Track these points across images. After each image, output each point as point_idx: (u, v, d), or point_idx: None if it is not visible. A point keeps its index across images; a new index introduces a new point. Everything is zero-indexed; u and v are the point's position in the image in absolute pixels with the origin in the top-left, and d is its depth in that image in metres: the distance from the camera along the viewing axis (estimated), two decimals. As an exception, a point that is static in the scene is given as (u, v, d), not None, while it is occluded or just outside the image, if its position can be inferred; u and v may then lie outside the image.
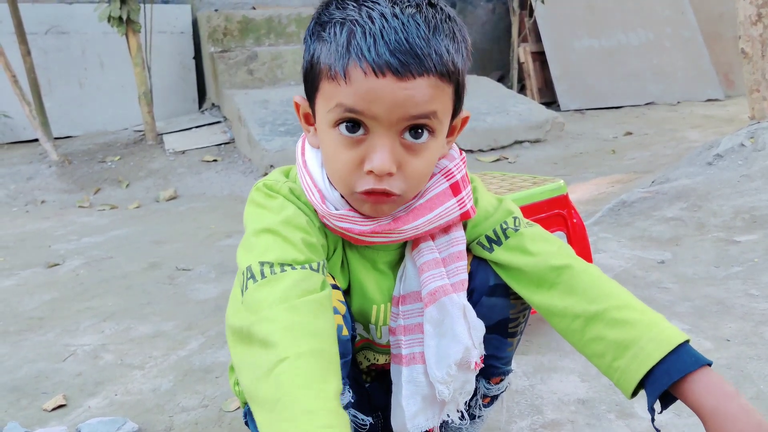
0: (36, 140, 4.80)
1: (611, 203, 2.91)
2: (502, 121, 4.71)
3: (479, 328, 1.00)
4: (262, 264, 0.86)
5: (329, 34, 0.87)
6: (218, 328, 2.03)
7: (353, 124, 0.86)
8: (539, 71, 6.61)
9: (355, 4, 0.87)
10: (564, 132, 4.93)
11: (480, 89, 5.27)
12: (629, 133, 5.16)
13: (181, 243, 3.03)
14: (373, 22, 0.84)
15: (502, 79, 6.66)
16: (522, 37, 6.45)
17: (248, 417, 1.19)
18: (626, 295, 0.96)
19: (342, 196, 0.94)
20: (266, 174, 4.05)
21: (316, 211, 0.97)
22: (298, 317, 0.80)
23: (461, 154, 1.04)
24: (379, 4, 0.86)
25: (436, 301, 0.98)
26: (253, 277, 0.85)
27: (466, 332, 0.98)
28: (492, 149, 4.58)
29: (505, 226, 1.04)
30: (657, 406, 0.89)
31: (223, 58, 5.20)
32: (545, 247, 1.02)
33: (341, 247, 1.00)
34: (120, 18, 4.49)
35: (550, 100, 6.47)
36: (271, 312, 0.80)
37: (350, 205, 0.95)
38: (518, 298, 1.06)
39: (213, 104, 5.58)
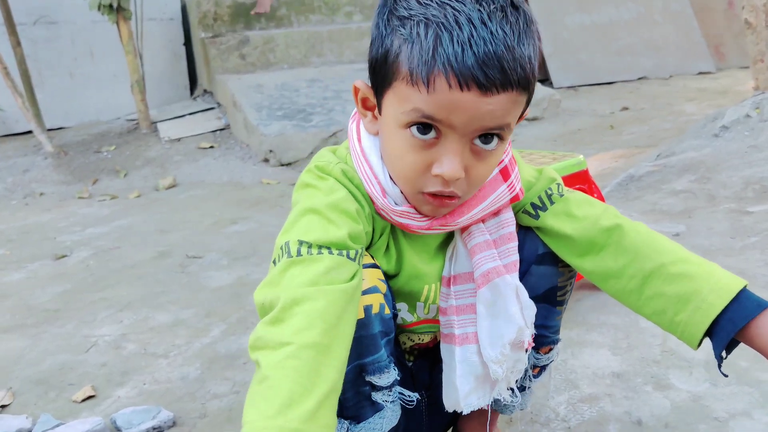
0: (29, 132, 4.74)
1: (619, 178, 2.91)
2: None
3: (531, 307, 1.00)
4: (300, 243, 0.84)
5: (411, 33, 0.83)
6: (239, 315, 2.02)
7: (425, 126, 0.84)
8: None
9: (438, 2, 0.83)
10: (560, 109, 4.92)
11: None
12: (626, 108, 5.16)
13: (187, 231, 3.01)
14: (461, 27, 0.80)
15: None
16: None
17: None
18: (678, 248, 0.96)
19: (401, 192, 0.93)
20: (266, 159, 4.05)
21: (369, 195, 0.95)
22: (319, 304, 0.79)
23: None
24: (464, 4, 0.82)
25: (489, 282, 0.97)
26: (288, 253, 0.84)
27: (519, 312, 0.98)
28: (491, 128, 4.57)
29: (549, 192, 1.04)
30: (723, 353, 0.90)
31: (214, 43, 5.14)
32: (591, 210, 1.02)
33: (389, 231, 0.99)
34: (110, 6, 4.43)
35: (542, 77, 6.45)
36: (297, 292, 0.79)
37: (408, 202, 0.93)
38: (566, 265, 1.05)
39: (205, 90, 5.52)
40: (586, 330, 1.70)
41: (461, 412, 1.03)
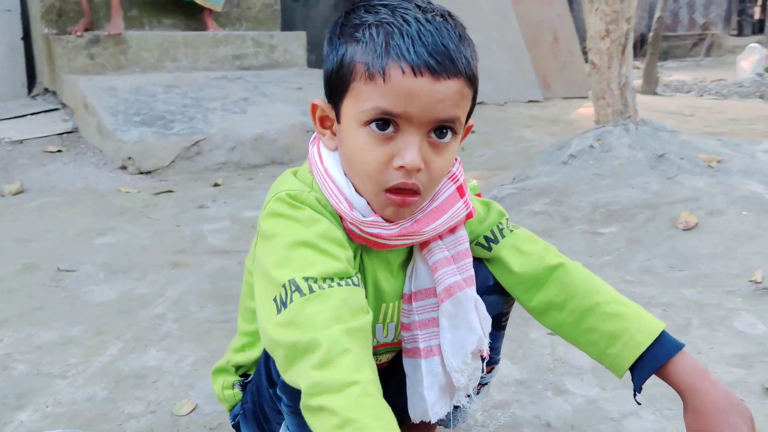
0: None
1: (485, 198, 3.14)
2: (359, 116, 4.83)
3: (488, 319, 1.11)
4: (306, 279, 0.88)
5: (364, 35, 0.93)
6: (133, 332, 1.96)
7: (384, 122, 0.93)
8: (381, 68, 6.82)
9: (386, 9, 0.95)
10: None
11: (333, 84, 5.36)
12: (472, 131, 5.50)
13: (50, 241, 2.83)
14: (409, 25, 0.92)
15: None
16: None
17: (242, 420, 1.21)
18: (611, 289, 1.12)
19: (368, 203, 1.00)
20: (124, 167, 3.89)
21: (341, 219, 1.01)
22: (355, 343, 0.84)
23: (457, 159, 1.14)
24: (410, 10, 0.94)
25: (452, 296, 1.06)
26: (299, 290, 0.87)
27: (479, 323, 1.08)
28: (351, 144, 4.69)
29: (501, 226, 1.17)
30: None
31: (60, 40, 4.83)
32: (535, 247, 1.15)
33: (359, 253, 1.06)
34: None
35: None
36: (330, 332, 0.83)
37: (374, 212, 1.00)
38: (509, 294, 1.18)
39: (47, 89, 5.16)
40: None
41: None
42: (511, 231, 1.17)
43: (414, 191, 0.96)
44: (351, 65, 0.94)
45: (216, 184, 3.84)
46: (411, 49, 0.90)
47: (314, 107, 1.04)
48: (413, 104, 0.91)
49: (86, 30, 4.89)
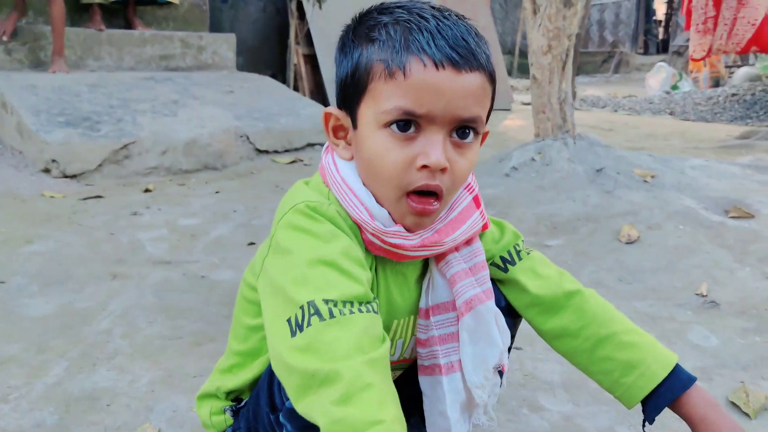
0: None
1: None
2: (294, 123, 4.76)
3: (507, 332, 1.08)
4: (326, 302, 0.83)
5: (380, 34, 0.91)
6: (79, 349, 1.83)
7: (405, 123, 0.89)
8: (311, 74, 6.76)
9: (402, 9, 0.93)
10: (350, 136, 5.12)
11: (267, 89, 5.26)
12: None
13: (-29, 250, 2.62)
14: (427, 21, 0.90)
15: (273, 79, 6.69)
16: (296, 39, 6.54)
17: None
18: (626, 318, 1.12)
19: (389, 214, 0.96)
20: (47, 170, 3.67)
21: (360, 230, 0.96)
22: (377, 376, 0.80)
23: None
24: (426, 8, 0.92)
25: (472, 309, 1.03)
26: (318, 314, 0.82)
27: (499, 337, 1.06)
28: (287, 150, 4.61)
29: (518, 248, 1.14)
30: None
31: (-28, 33, 4.52)
32: (550, 271, 1.14)
33: (374, 266, 1.01)
34: None
35: (321, 103, 6.64)
36: (352, 364, 0.79)
37: (395, 223, 0.96)
38: (518, 316, 1.16)
39: (-45, 85, 4.82)
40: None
41: None
42: (528, 254, 1.15)
43: (437, 195, 0.93)
44: (368, 66, 0.91)
45: (147, 190, 3.67)
46: (431, 42, 0.88)
47: (327, 116, 1.00)
48: (436, 101, 0.88)
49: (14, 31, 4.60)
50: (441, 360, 1.04)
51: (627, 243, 2.76)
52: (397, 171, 0.91)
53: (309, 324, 0.82)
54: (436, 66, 0.87)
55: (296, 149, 4.68)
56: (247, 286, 1.06)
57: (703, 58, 8.04)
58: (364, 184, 0.96)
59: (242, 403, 1.10)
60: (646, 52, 19.61)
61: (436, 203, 0.93)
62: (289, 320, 0.84)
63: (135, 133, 4.00)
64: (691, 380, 1.04)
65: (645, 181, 3.32)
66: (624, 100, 10.72)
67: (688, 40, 16.15)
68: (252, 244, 2.83)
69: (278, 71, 6.80)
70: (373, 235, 0.95)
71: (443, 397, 1.04)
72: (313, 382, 0.79)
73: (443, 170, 0.90)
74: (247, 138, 4.47)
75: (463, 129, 0.92)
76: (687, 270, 2.50)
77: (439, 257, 1.05)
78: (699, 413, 1.02)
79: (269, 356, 0.87)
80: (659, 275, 2.47)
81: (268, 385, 0.99)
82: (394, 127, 0.90)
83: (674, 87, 11.58)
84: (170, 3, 5.43)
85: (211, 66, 5.57)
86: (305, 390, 0.80)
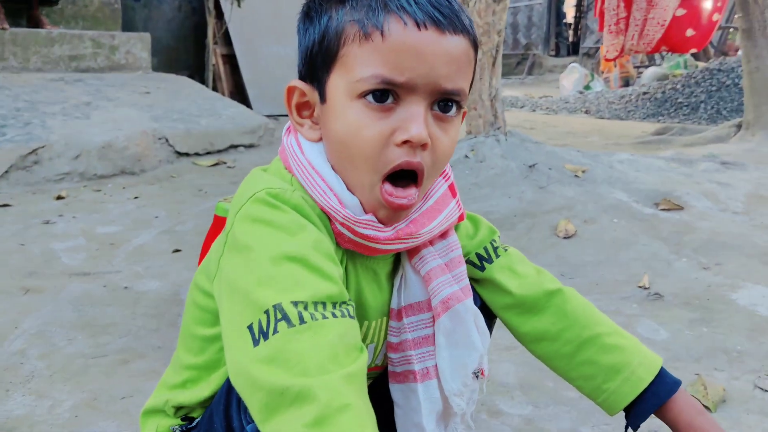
0: None
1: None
2: (216, 124, 4.57)
3: (487, 333, 0.99)
4: (295, 304, 0.72)
5: None
6: (-12, 373, 1.64)
7: (382, 92, 0.79)
8: (230, 74, 6.55)
9: None
10: (275, 138, 4.97)
11: (185, 90, 5.04)
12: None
13: None
14: None
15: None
16: (214, 38, 6.32)
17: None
18: (609, 320, 1.04)
19: (360, 203, 0.85)
20: None
21: (329, 221, 0.85)
22: (354, 394, 0.69)
23: None
24: None
25: (449, 309, 0.93)
26: (286, 318, 0.71)
27: (479, 339, 0.96)
28: (208, 153, 4.42)
29: (495, 244, 1.05)
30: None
31: None
32: (528, 269, 1.05)
33: (344, 262, 0.90)
34: None
35: (242, 104, 6.45)
36: (327, 380, 0.68)
37: (366, 212, 0.86)
38: (492, 317, 1.07)
39: None
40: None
41: None
42: (506, 250, 1.06)
43: (416, 178, 0.82)
44: (339, 29, 0.81)
45: (60, 197, 3.42)
46: (411, 0, 0.78)
47: (291, 91, 0.88)
48: (418, 66, 0.78)
49: None
50: (415, 366, 0.94)
51: (565, 238, 2.74)
52: (373, 148, 0.80)
53: (275, 331, 0.70)
54: (418, 26, 0.78)
55: (218, 151, 4.49)
56: (199, 292, 0.92)
57: (616, 58, 8.26)
58: (333, 169, 0.85)
59: (194, 423, 0.96)
60: (557, 54, 20.18)
61: (413, 191, 0.83)
62: (250, 326, 0.72)
63: (44, 137, 3.73)
64: (676, 384, 0.98)
65: (576, 176, 3.33)
66: (541, 101, 10.96)
67: (597, 42, 16.70)
68: (177, 251, 2.66)
69: (195, 72, 6.56)
70: (343, 225, 0.84)
71: (418, 407, 0.94)
72: (283, 400, 0.67)
73: (424, 147, 0.80)
74: (166, 140, 4.25)
75: (444, 102, 0.82)
76: (627, 263, 2.50)
77: (412, 252, 0.95)
78: (685, 419, 0.95)
79: (228, 370, 0.75)
80: (600, 269, 2.46)
81: (225, 405, 0.86)
82: (369, 97, 0.79)
83: (587, 87, 11.93)
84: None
85: (124, 67, 5.29)
86: (273, 409, 0.68)
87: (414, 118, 0.79)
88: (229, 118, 4.70)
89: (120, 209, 3.27)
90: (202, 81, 6.29)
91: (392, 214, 0.85)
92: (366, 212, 0.85)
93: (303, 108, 0.89)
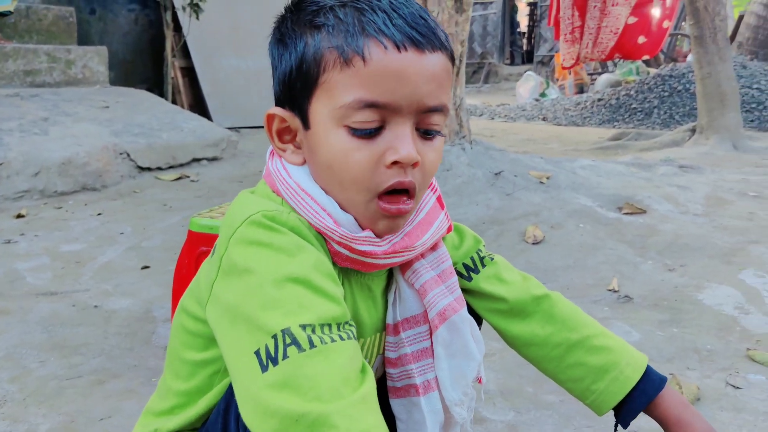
0: None
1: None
2: (178, 137, 4.52)
3: (482, 341, 1.00)
4: (303, 327, 0.71)
5: (328, 18, 0.81)
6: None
7: (370, 130, 0.80)
8: (189, 87, 6.49)
9: None
10: (238, 150, 4.94)
11: (144, 103, 4.97)
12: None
13: None
14: (379, 0, 0.81)
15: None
16: (172, 51, 6.26)
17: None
18: (595, 322, 1.06)
19: (355, 219, 0.85)
20: None
21: (322, 233, 0.85)
22: (372, 417, 0.70)
23: None
24: None
25: (446, 320, 0.94)
26: (296, 343, 0.70)
27: (476, 348, 0.97)
28: (171, 167, 4.36)
29: (481, 254, 1.06)
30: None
31: None
32: (514, 276, 1.07)
33: (341, 280, 0.90)
34: None
35: (202, 116, 6.38)
36: (343, 405, 0.68)
37: (362, 228, 0.86)
38: (479, 321, 1.08)
39: None
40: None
41: None
42: (492, 259, 1.07)
43: (410, 193, 0.83)
44: (317, 56, 0.80)
45: (20, 215, 3.34)
46: (388, 22, 0.79)
47: (270, 119, 0.87)
48: (401, 87, 0.78)
49: None
50: (417, 379, 0.94)
51: (534, 243, 2.78)
52: (363, 172, 0.80)
53: (285, 356, 0.70)
54: (398, 47, 0.78)
55: (181, 165, 4.44)
56: (189, 317, 0.90)
57: (572, 66, 8.43)
58: (323, 189, 0.85)
59: (185, 450, 0.94)
60: (512, 63, 20.50)
61: (409, 201, 0.84)
62: (257, 352, 0.71)
63: (2, 155, 3.64)
64: (663, 381, 1.00)
65: (541, 182, 3.38)
66: (499, 108, 11.10)
67: (551, 50, 17.01)
68: (146, 267, 2.62)
69: (154, 85, 6.47)
70: (339, 244, 0.84)
71: (422, 420, 0.94)
72: (298, 427, 0.66)
73: (414, 165, 0.81)
74: (128, 155, 4.19)
75: (429, 118, 0.83)
76: (595, 266, 2.55)
77: (405, 267, 0.95)
78: (674, 415, 0.97)
79: (237, 399, 0.73)
80: (570, 273, 2.50)
81: (223, 425, 0.85)
82: (354, 123, 0.80)
83: (543, 95, 12.13)
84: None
85: (81, 81, 5.20)
86: (282, 428, 0.68)
87: (401, 138, 0.80)
88: (191, 131, 4.66)
89: (83, 226, 3.21)
90: (161, 94, 6.21)
91: (392, 223, 0.85)
92: (362, 227, 0.85)
93: (284, 133, 0.88)
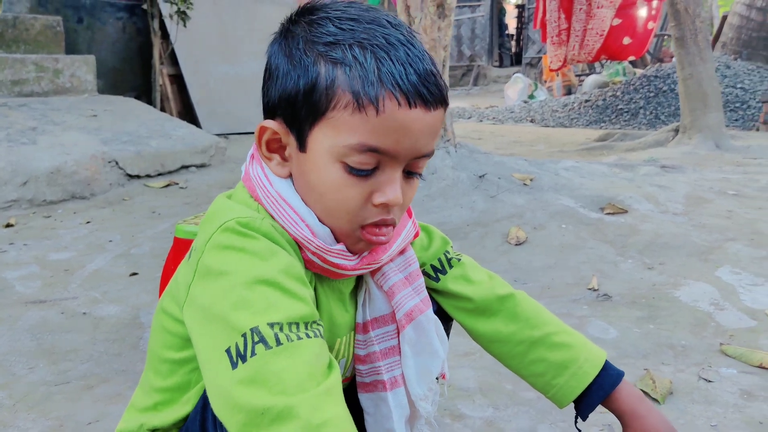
0: None
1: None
2: (166, 145, 4.55)
3: (446, 340, 1.05)
4: (271, 326, 0.75)
5: (345, 56, 0.82)
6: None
7: (364, 160, 0.83)
8: (177, 94, 6.52)
9: (356, 24, 0.84)
10: (226, 157, 4.97)
11: (133, 111, 5.00)
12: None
13: None
14: (396, 48, 0.82)
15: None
16: (160, 59, 6.29)
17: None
18: (557, 320, 1.12)
19: (331, 232, 0.90)
20: None
21: (298, 242, 0.90)
22: (335, 408, 0.74)
23: None
24: (384, 27, 0.84)
25: (413, 320, 0.99)
26: (263, 341, 0.74)
27: (440, 346, 1.02)
28: (160, 174, 4.39)
29: (448, 255, 1.11)
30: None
31: None
32: (481, 275, 1.12)
33: (314, 284, 0.95)
34: None
35: (191, 124, 6.41)
36: (307, 397, 0.72)
37: (337, 241, 0.91)
38: (449, 320, 1.13)
39: None
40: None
41: None
42: (459, 260, 1.12)
43: (391, 225, 0.89)
44: (330, 92, 0.82)
45: (9, 225, 3.37)
46: (404, 77, 0.81)
47: (263, 130, 0.89)
48: (404, 139, 0.82)
49: None
50: (384, 375, 0.99)
51: (516, 244, 2.83)
52: (351, 208, 0.86)
53: (254, 353, 0.74)
54: (409, 104, 0.81)
55: (170, 172, 4.47)
56: (167, 317, 0.94)
57: (559, 68, 8.49)
58: (303, 200, 0.89)
59: (168, 446, 0.98)
60: (501, 65, 20.59)
61: (389, 231, 0.90)
62: (228, 350, 0.75)
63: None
64: (619, 376, 1.06)
65: (525, 184, 3.43)
66: (487, 111, 11.17)
67: (539, 52, 17.11)
68: (135, 274, 2.66)
69: (142, 93, 6.50)
70: (313, 254, 0.89)
71: (389, 414, 0.99)
72: (264, 420, 0.71)
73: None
74: (116, 163, 4.22)
75: (419, 162, 0.88)
76: (576, 266, 2.60)
77: (374, 269, 1.00)
78: (628, 407, 1.03)
79: (208, 394, 0.78)
80: (551, 273, 2.55)
81: (200, 422, 0.89)
82: (353, 163, 0.83)
83: (531, 96, 12.21)
84: None
85: (69, 90, 5.22)
86: (254, 430, 0.72)
87: (392, 183, 0.84)
88: (180, 139, 4.69)
89: (72, 234, 3.24)
90: (150, 102, 6.24)
91: (369, 247, 0.91)
92: (338, 240, 0.90)
93: (273, 143, 0.90)
